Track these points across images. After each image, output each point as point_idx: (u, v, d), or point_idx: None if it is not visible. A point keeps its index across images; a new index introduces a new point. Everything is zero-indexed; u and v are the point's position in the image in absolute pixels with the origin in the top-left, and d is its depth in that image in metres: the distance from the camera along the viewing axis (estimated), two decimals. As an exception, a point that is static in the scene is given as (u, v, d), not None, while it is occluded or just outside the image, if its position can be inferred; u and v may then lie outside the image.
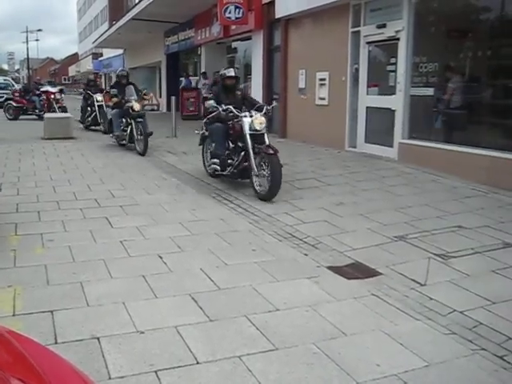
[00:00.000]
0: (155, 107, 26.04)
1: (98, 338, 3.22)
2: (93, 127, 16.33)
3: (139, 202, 6.88)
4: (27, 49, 56.34)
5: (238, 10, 14.89)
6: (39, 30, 67.02)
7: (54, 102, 19.02)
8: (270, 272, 4.41)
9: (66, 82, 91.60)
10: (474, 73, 8.81)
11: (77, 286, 4.04)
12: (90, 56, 53.19)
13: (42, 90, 20.54)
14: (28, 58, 58.42)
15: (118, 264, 4.56)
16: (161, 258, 4.73)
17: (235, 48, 19.05)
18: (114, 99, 11.80)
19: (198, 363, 2.98)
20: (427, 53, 9.29)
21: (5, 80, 34.20)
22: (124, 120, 11.60)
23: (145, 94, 12.30)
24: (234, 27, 16.18)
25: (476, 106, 8.57)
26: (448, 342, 3.29)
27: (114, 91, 11.90)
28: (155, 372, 2.88)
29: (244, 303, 3.78)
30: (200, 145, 8.75)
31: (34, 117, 19.83)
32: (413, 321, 3.57)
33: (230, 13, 14.92)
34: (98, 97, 16.19)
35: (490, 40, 8.34)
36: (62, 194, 7.22)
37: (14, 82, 36.79)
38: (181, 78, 23.21)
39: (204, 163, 8.69)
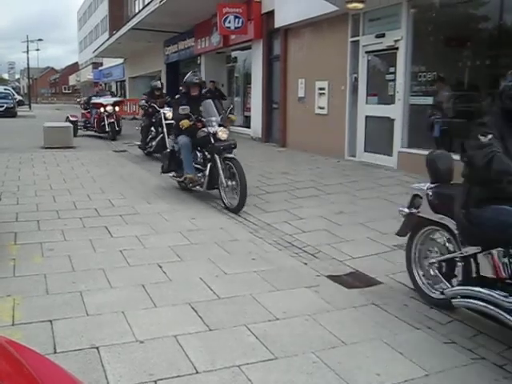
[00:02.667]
0: None
1: (98, 348, 3.21)
2: (158, 155, 11.09)
3: (139, 211, 6.88)
4: (27, 58, 56.23)
5: (237, 19, 14.98)
6: (40, 40, 66.80)
7: (106, 117, 16.05)
8: (270, 281, 4.41)
9: (66, 91, 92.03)
10: (473, 82, 8.85)
11: (76, 296, 4.03)
12: (91, 65, 53.35)
13: (93, 101, 17.59)
14: (28, 68, 58.42)
15: (117, 273, 4.56)
16: (160, 267, 4.73)
17: (235, 57, 19.13)
18: (186, 122, 7.43)
19: (197, 373, 2.97)
20: (426, 62, 9.34)
21: (5, 89, 34.30)
22: (199, 154, 7.74)
23: (231, 113, 8.36)
24: (233, 37, 16.27)
25: (475, 115, 8.58)
26: (448, 351, 3.29)
27: (184, 108, 7.44)
28: (155, 382, 2.88)
29: (243, 312, 3.78)
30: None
31: (95, 134, 17.06)
32: (412, 330, 3.57)
33: (229, 22, 15.00)
34: (167, 112, 11.17)
35: (488, 49, 8.38)
36: (61, 204, 7.22)
37: (14, 92, 36.94)
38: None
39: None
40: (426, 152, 8.83)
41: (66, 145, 13.60)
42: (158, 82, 10.41)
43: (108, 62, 42.83)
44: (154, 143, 11.68)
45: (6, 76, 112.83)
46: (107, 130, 16.01)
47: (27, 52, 56.34)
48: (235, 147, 7.27)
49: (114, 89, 45.25)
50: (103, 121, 16.10)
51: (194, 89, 7.96)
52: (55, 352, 3.15)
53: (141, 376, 2.92)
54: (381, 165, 9.93)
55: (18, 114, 30.74)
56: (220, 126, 7.24)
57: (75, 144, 13.96)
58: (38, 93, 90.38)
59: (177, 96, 8.38)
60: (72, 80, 76.59)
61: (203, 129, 7.35)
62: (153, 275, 4.52)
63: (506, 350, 3.26)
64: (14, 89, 53.44)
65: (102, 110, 16.09)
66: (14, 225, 6.10)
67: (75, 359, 3.08)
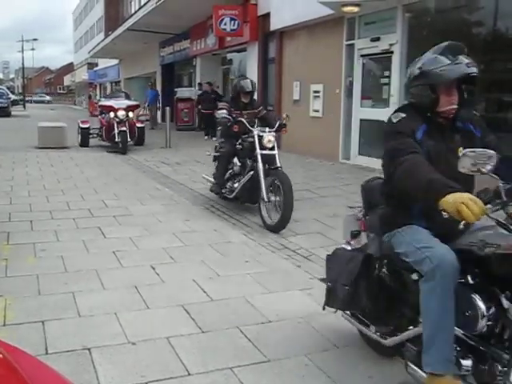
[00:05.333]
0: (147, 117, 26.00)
1: (89, 349, 3.20)
2: (246, 202, 7.09)
3: (133, 212, 6.87)
4: (22, 58, 56.09)
5: (233, 21, 15.02)
6: (35, 40, 66.75)
7: (116, 124, 13.08)
8: (263, 283, 4.40)
9: (61, 91, 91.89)
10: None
11: (69, 297, 4.02)
12: (86, 66, 53.24)
13: (101, 104, 15.04)
14: (23, 67, 58.26)
15: (110, 274, 4.54)
16: (153, 268, 4.72)
17: (230, 59, 19.15)
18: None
19: (189, 375, 2.97)
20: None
21: (0, 89, 34.13)
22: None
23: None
24: (229, 39, 16.30)
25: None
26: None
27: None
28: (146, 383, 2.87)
29: (236, 314, 3.77)
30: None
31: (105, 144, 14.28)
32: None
33: (225, 24, 15.04)
34: (267, 136, 6.49)
35: (482, 54, 8.41)
36: (55, 204, 7.20)
37: (8, 91, 36.80)
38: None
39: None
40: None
41: (60, 145, 13.57)
42: (248, 80, 7.15)
43: (103, 63, 42.79)
44: (236, 184, 6.91)
45: (0, 75, 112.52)
46: (117, 140, 12.95)
47: (22, 52, 56.23)
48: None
49: (108, 90, 45.32)
50: (113, 129, 13.11)
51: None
52: (47, 353, 3.14)
53: (133, 378, 2.91)
54: (375, 168, 9.95)
55: (12, 113, 30.63)
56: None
57: (69, 144, 13.91)
58: (33, 92, 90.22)
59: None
60: (67, 80, 76.50)
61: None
62: (146, 277, 4.51)
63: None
64: (8, 88, 53.24)
65: (112, 114, 13.15)
66: (7, 225, 6.07)
67: (67, 360, 3.07)
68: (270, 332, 3.52)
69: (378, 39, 9.91)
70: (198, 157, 12.03)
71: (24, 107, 43.11)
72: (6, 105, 30.02)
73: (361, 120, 10.54)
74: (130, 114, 13.43)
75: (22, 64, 57.18)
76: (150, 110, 21.60)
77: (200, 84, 19.85)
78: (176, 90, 23.04)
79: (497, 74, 8.23)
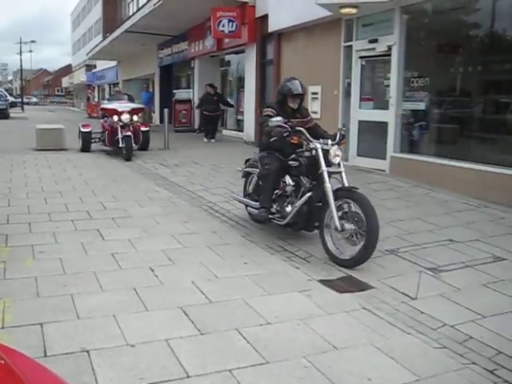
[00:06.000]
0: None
1: (88, 351, 3.20)
2: (302, 230, 5.88)
3: (131, 214, 6.86)
4: (20, 60, 56.09)
5: (231, 23, 15.02)
6: (33, 42, 66.76)
7: (119, 128, 12.21)
8: (262, 285, 4.40)
9: (59, 93, 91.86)
10: (465, 88, 8.90)
11: (67, 299, 4.01)
12: (84, 68, 53.23)
13: (103, 106, 14.17)
14: (21, 69, 58.23)
15: (109, 276, 4.54)
16: (152, 270, 4.71)
17: (228, 61, 19.15)
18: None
19: (188, 377, 2.97)
20: (419, 68, 9.39)
21: (-2, 91, 34.12)
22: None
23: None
24: (227, 40, 16.30)
25: (467, 121, 8.64)
26: (439, 356, 3.30)
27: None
28: (145, 386, 2.87)
29: (235, 316, 3.77)
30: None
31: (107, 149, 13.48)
32: (404, 335, 3.58)
33: (223, 26, 15.04)
34: (335, 150, 5.36)
35: (480, 55, 8.43)
36: (53, 206, 7.19)
37: (6, 93, 36.78)
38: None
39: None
40: (417, 157, 8.96)
41: (59, 147, 13.54)
42: (297, 81, 5.86)
43: (101, 65, 42.76)
44: (289, 208, 5.68)
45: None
46: (121, 145, 12.06)
47: (20, 53, 56.20)
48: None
49: (107, 91, 45.29)
50: (116, 133, 12.27)
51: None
52: (45, 355, 3.14)
53: (131, 380, 2.91)
54: (373, 169, 9.97)
55: (11, 115, 30.61)
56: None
57: (68, 146, 13.89)
58: (31, 94, 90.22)
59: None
60: (65, 82, 76.42)
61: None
62: (144, 279, 4.51)
63: (497, 355, 3.28)
64: (6, 90, 53.21)
65: (115, 118, 12.33)
66: (5, 227, 6.06)
67: (65, 363, 3.06)
68: (269, 334, 3.52)
69: (375, 41, 9.92)
70: (196, 158, 12.03)
71: (22, 109, 43.09)
72: (4, 107, 30.02)
73: (359, 121, 10.54)
74: (135, 118, 12.60)
75: (20, 66, 57.22)
76: (145, 112, 21.45)
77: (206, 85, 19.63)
78: (174, 91, 23.04)
79: (494, 76, 8.24)
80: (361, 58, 10.52)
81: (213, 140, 16.18)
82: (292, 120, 5.61)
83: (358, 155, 10.65)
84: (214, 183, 9.04)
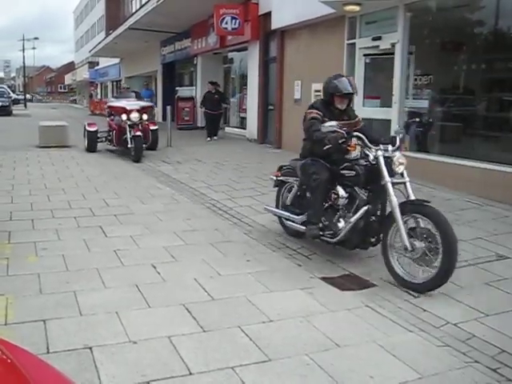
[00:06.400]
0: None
1: (91, 348, 3.20)
2: (358, 247, 5.07)
3: (133, 211, 6.87)
4: (23, 57, 56.14)
5: (234, 20, 15.00)
6: (36, 39, 66.65)
7: (128, 128, 11.55)
8: (264, 283, 4.40)
9: (62, 90, 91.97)
10: (468, 85, 8.88)
11: (70, 295, 4.02)
12: (87, 65, 53.23)
13: (110, 105, 13.57)
14: (24, 66, 58.31)
15: (111, 273, 4.54)
16: (154, 267, 4.72)
17: (231, 58, 19.13)
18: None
19: (190, 374, 2.97)
20: (422, 65, 9.37)
21: (0, 88, 34.16)
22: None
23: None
24: (230, 38, 16.28)
25: (471, 119, 8.61)
26: (441, 354, 3.29)
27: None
28: (147, 383, 2.87)
29: (238, 314, 3.77)
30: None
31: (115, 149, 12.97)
32: (406, 333, 3.57)
33: (226, 23, 15.03)
34: (401, 159, 4.69)
35: (483, 53, 8.41)
36: (56, 203, 7.20)
37: (9, 90, 36.82)
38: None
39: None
40: (420, 155, 8.94)
41: (62, 144, 13.56)
42: (344, 79, 5.28)
43: (104, 62, 42.74)
44: (342, 224, 4.93)
45: (1, 74, 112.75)
46: (130, 146, 11.44)
47: (23, 50, 56.26)
48: None
49: (109, 88, 45.29)
50: (125, 133, 11.65)
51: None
52: (48, 352, 3.14)
53: (134, 377, 2.91)
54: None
55: (14, 112, 30.65)
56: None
57: (70, 143, 13.90)
58: (34, 91, 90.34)
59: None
60: (68, 79, 76.45)
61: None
62: (147, 276, 4.51)
63: (500, 354, 3.27)
64: (9, 87, 53.27)
65: (124, 117, 11.71)
66: (8, 224, 6.07)
67: (68, 359, 3.07)
68: (272, 331, 3.51)
69: (379, 38, 9.89)
70: (199, 156, 12.04)
71: (25, 106, 43.14)
72: (7, 104, 30.05)
73: (363, 119, 10.50)
74: (144, 117, 12.00)
75: (23, 63, 57.26)
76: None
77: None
78: (177, 89, 23.02)
79: (498, 73, 8.22)
80: (365, 55, 10.49)
81: (215, 137, 16.15)
82: (340, 122, 5.00)
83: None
84: (216, 180, 9.04)
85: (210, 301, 4.01)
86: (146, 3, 19.25)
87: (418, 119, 9.50)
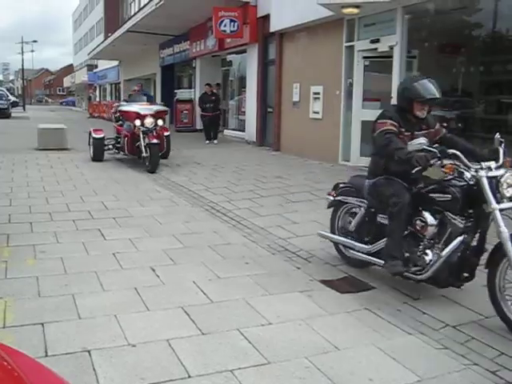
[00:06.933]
0: None
1: (89, 351, 3.19)
2: (451, 286, 4.19)
3: (132, 213, 6.86)
4: (22, 59, 56.25)
5: (233, 23, 15.02)
6: (34, 41, 66.83)
7: (142, 135, 10.38)
8: (263, 285, 4.40)
9: (61, 92, 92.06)
10: (466, 88, 8.90)
11: (68, 298, 4.01)
12: (85, 67, 53.28)
13: (121, 109, 11.81)
14: (23, 69, 58.37)
15: (110, 276, 4.54)
16: (153, 270, 4.71)
17: (230, 61, 19.15)
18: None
19: (189, 377, 2.96)
20: (420, 67, 9.39)
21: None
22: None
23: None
24: (228, 40, 16.30)
25: (469, 121, 8.63)
26: (440, 356, 3.29)
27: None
28: (146, 386, 2.86)
29: (236, 317, 3.76)
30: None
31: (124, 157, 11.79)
32: (405, 335, 3.57)
33: (225, 26, 15.05)
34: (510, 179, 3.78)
35: (481, 56, 8.43)
36: (54, 206, 7.19)
37: (8, 93, 36.80)
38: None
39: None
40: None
41: (60, 146, 13.54)
42: (426, 81, 4.39)
43: (103, 65, 42.82)
44: (429, 256, 4.09)
45: (0, 77, 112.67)
46: (144, 155, 10.33)
47: (22, 53, 56.35)
48: None
49: (108, 91, 45.30)
50: (138, 140, 10.55)
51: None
52: (46, 355, 3.13)
53: (132, 380, 2.91)
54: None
55: (12, 115, 30.64)
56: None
57: (69, 146, 13.88)
58: (33, 94, 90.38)
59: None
60: (67, 82, 76.50)
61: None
62: (146, 278, 4.51)
63: (499, 356, 3.27)
64: (8, 90, 53.26)
65: (137, 122, 10.51)
66: (7, 226, 6.06)
67: (67, 363, 3.06)
68: (271, 334, 3.51)
69: (377, 41, 9.92)
70: (198, 159, 12.04)
71: (24, 109, 43.15)
72: (5, 106, 30.06)
73: (362, 121, 10.53)
74: (160, 122, 10.77)
75: (22, 65, 57.37)
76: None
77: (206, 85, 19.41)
78: (176, 91, 23.03)
79: (496, 76, 8.23)
80: (364, 58, 10.51)
81: (215, 141, 16.09)
82: (416, 133, 4.33)
83: (361, 155, 10.65)
84: (215, 183, 9.03)
85: (208, 304, 4.01)
86: (144, 6, 19.27)
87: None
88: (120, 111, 11.81)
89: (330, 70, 11.30)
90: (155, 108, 11.39)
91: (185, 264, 4.93)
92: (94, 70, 47.87)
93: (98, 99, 46.28)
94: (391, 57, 9.51)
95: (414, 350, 3.36)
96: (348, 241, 4.85)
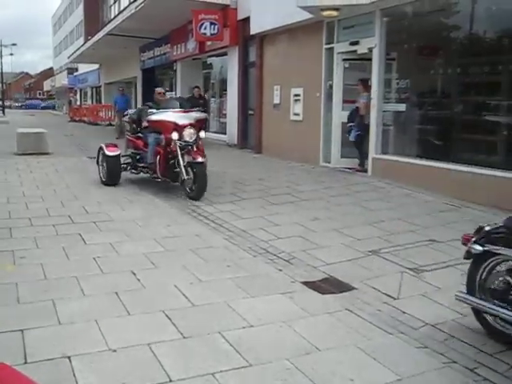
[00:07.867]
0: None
1: (69, 357, 3.16)
2: None
3: (113, 218, 6.82)
4: (1, 63, 55.61)
5: (213, 26, 15.01)
6: (14, 45, 65.99)
7: (180, 152, 8.04)
8: (245, 288, 4.40)
9: (41, 96, 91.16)
10: (445, 89, 9.00)
11: (48, 304, 3.97)
12: (66, 71, 52.82)
13: (151, 119, 8.73)
14: (2, 72, 57.63)
15: (90, 281, 4.50)
16: (134, 274, 4.69)
17: (211, 64, 19.12)
18: None
19: (170, 381, 2.95)
20: (399, 69, 9.48)
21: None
22: None
23: None
24: (209, 43, 16.28)
25: (448, 122, 8.72)
26: (420, 355, 3.32)
27: None
28: (127, 391, 2.85)
29: (218, 320, 3.76)
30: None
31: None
32: (386, 335, 3.60)
33: (205, 29, 15.03)
34: None
35: (459, 57, 8.53)
36: (34, 211, 7.12)
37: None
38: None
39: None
40: (399, 158, 9.03)
41: (40, 151, 13.40)
42: None
43: (83, 68, 42.47)
44: None
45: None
46: (185, 177, 8.03)
47: (0, 56, 55.65)
48: None
49: (89, 95, 44.91)
50: (172, 159, 8.32)
51: None
52: (26, 362, 3.10)
53: (113, 385, 2.89)
54: (356, 171, 10.04)
55: (-9, 119, 30.29)
56: None
57: (49, 150, 13.74)
58: (13, 98, 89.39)
59: None
60: (47, 85, 75.80)
61: None
62: (126, 283, 4.48)
63: (478, 354, 3.31)
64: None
65: (174, 136, 8.08)
66: (-15, 233, 5.99)
67: (46, 369, 3.03)
68: (252, 336, 3.51)
69: (357, 43, 9.99)
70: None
71: (3, 113, 42.63)
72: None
73: (342, 123, 10.59)
74: (202, 134, 8.41)
75: (1, 69, 56.59)
76: (119, 117, 19.39)
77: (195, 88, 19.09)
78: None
79: (474, 77, 8.34)
80: (344, 60, 10.58)
81: None
82: None
83: (342, 157, 10.73)
84: (197, 186, 8.98)
85: (190, 307, 4.00)
86: (124, 9, 19.18)
87: (395, 122, 9.62)
88: (150, 121, 8.81)
89: (311, 72, 11.35)
90: (194, 115, 8.74)
91: (166, 268, 4.92)
92: (75, 74, 47.48)
93: (78, 103, 45.90)
94: (371, 59, 9.58)
95: (395, 350, 3.39)
96: (506, 311, 3.31)
